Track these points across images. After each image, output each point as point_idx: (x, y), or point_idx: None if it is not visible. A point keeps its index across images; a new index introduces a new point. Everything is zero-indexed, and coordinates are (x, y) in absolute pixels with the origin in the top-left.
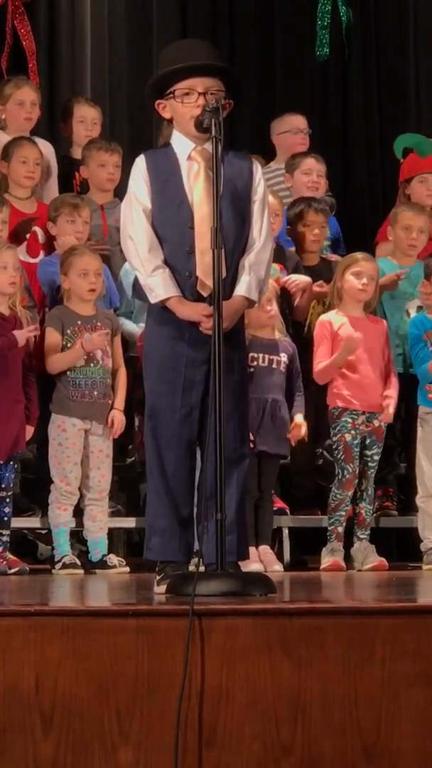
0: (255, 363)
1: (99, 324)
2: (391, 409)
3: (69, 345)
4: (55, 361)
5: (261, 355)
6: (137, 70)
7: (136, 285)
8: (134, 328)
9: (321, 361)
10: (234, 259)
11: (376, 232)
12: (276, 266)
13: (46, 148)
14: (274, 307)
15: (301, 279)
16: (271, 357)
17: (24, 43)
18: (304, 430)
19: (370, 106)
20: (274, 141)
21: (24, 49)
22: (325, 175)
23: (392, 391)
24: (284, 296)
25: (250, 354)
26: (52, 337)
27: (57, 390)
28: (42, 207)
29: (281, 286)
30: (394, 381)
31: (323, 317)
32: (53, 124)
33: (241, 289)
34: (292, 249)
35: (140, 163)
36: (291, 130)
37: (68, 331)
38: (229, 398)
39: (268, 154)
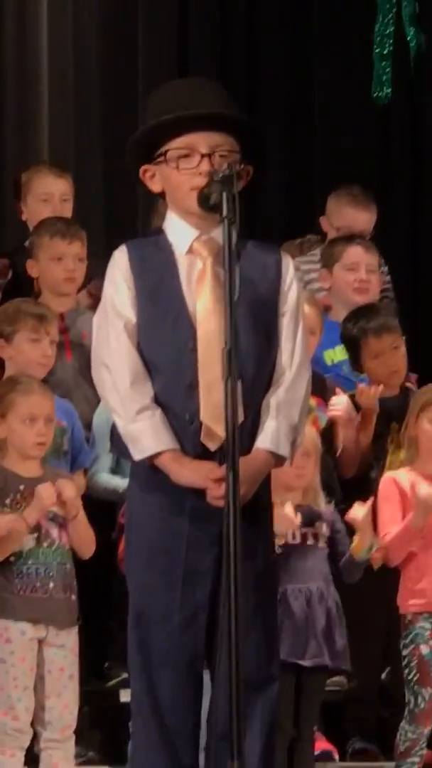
0: (284, 541)
1: None
2: None
3: None
4: None
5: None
6: (115, 127)
7: (114, 434)
8: (118, 482)
9: (388, 530)
10: (255, 397)
11: None
12: (312, 401)
13: None
14: (309, 465)
15: (340, 405)
16: (306, 529)
17: None
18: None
19: None
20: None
21: None
22: (378, 269)
23: None
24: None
25: None
26: None
27: None
28: None
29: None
30: None
31: (388, 474)
32: None
33: (266, 440)
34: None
35: (120, 259)
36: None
37: (7, 501)
38: (249, 596)
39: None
